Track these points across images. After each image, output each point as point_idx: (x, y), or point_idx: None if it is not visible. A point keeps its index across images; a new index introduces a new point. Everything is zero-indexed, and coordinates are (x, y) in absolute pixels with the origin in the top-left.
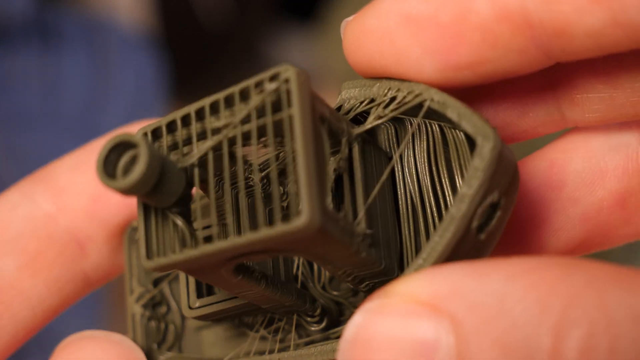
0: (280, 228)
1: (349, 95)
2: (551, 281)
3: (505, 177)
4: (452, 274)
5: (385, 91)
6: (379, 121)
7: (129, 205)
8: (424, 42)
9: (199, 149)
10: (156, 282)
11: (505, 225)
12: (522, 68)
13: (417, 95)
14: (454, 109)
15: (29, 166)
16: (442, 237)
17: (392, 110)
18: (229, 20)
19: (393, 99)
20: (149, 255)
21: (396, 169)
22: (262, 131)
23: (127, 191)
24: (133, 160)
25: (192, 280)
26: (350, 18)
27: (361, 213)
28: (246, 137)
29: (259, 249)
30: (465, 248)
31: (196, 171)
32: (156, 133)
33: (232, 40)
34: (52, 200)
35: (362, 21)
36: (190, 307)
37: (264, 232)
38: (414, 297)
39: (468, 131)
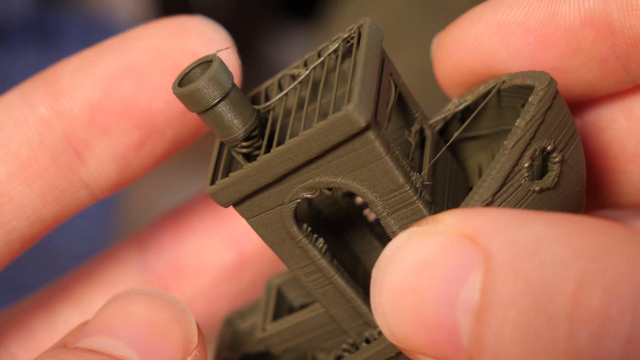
0: (323, 122)
1: (441, 111)
2: (588, 234)
3: (562, 129)
4: (498, 214)
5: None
6: (455, 109)
7: (132, 114)
8: (511, 45)
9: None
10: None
11: (569, 198)
12: (602, 83)
13: (489, 84)
14: (519, 76)
15: None
16: (492, 168)
17: (465, 101)
18: (229, 20)
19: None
20: (212, 182)
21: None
22: (331, 79)
23: (186, 99)
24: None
25: (270, 305)
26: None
27: (425, 168)
28: (316, 84)
29: (305, 158)
30: (516, 190)
31: (270, 114)
32: (255, 99)
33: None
34: (49, 104)
35: (454, 30)
36: (264, 329)
37: (305, 133)
38: (457, 229)
39: (531, 84)
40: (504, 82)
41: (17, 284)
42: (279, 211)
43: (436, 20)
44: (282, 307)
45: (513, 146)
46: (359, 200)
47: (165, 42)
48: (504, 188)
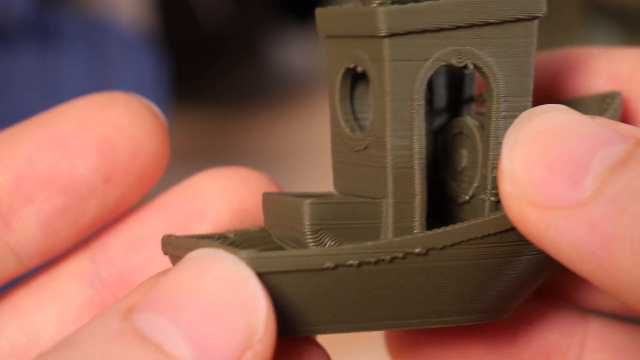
0: None
1: None
2: None
3: None
4: None
5: None
6: None
7: (55, 181)
8: None
9: None
10: None
11: None
12: None
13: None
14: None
15: None
16: None
17: None
18: (229, 20)
19: None
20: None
21: None
22: None
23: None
24: None
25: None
26: None
27: None
28: None
29: (476, 19)
30: None
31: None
32: None
33: (232, 40)
34: None
35: None
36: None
37: None
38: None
39: None
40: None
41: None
42: (419, 65)
43: None
44: None
45: None
46: None
47: (89, 113)
48: None
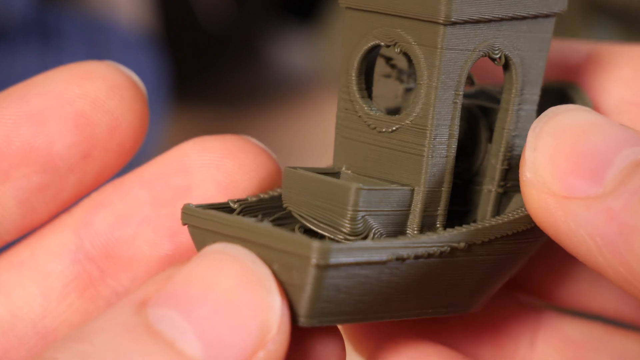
0: None
1: None
2: None
3: None
4: None
5: None
6: None
7: (32, 158)
8: None
9: None
10: None
11: None
12: None
13: None
14: None
15: None
16: None
17: None
18: (229, 20)
19: None
20: None
21: None
22: None
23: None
24: None
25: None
26: None
27: None
28: None
29: (514, 10)
30: None
31: None
32: None
33: (232, 40)
34: None
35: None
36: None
37: None
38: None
39: None
40: None
41: None
42: (466, 55)
43: None
44: None
45: None
46: None
47: (66, 87)
48: None
